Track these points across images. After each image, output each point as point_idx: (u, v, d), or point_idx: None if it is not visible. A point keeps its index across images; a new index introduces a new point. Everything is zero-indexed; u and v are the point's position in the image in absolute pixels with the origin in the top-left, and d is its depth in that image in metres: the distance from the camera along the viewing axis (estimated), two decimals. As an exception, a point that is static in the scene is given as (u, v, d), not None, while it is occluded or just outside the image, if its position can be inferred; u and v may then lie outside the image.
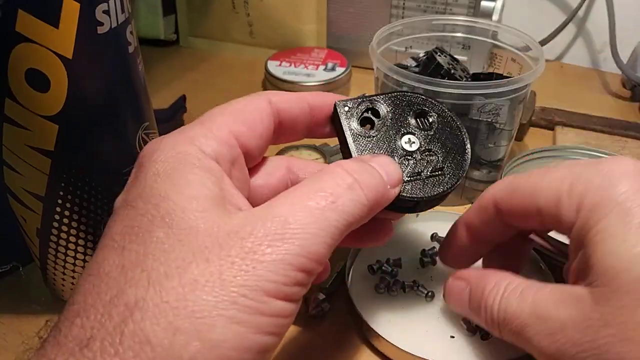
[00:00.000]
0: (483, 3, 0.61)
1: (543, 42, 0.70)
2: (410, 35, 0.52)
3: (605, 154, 0.48)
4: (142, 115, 0.33)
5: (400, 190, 0.28)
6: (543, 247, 0.33)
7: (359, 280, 0.38)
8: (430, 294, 0.36)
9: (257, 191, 0.28)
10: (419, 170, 0.29)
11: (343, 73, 0.63)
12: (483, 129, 0.44)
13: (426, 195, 0.29)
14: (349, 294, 0.36)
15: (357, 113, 0.29)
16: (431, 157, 0.29)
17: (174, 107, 0.59)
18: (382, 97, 0.30)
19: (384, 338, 0.33)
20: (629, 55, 0.67)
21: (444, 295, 0.32)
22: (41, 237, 0.33)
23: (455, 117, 0.31)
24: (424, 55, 0.51)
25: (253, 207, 0.24)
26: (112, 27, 0.29)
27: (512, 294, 0.27)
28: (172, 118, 0.58)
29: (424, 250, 0.40)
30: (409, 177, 0.29)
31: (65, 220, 0.32)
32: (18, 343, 0.36)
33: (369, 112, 0.30)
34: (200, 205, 0.21)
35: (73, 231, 0.33)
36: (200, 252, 0.20)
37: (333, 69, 0.64)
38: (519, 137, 0.58)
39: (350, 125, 0.29)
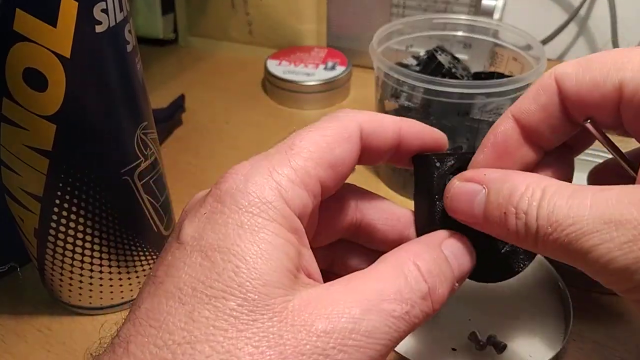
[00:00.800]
0: (484, 2, 0.60)
1: (544, 41, 0.70)
2: (411, 34, 0.52)
3: (606, 153, 0.48)
4: (140, 114, 0.33)
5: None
6: (600, 139, 0.26)
7: None
8: None
9: (322, 228, 0.26)
10: (494, 248, 0.26)
11: (343, 72, 0.63)
12: (484, 128, 0.44)
13: (495, 278, 0.26)
14: None
15: (447, 170, 0.26)
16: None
17: (172, 107, 0.59)
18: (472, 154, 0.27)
19: None
20: (630, 55, 0.67)
21: (444, 202, 0.25)
22: (39, 237, 0.33)
23: None
24: (425, 55, 0.51)
25: (314, 247, 0.23)
26: (111, 26, 0.28)
27: (558, 195, 0.21)
28: (171, 117, 0.58)
29: None
30: (482, 254, 0.25)
31: (63, 221, 0.32)
32: (16, 344, 0.35)
33: (458, 171, 0.26)
34: (280, 280, 0.19)
35: (71, 232, 0.33)
36: (274, 341, 0.18)
37: (333, 68, 0.64)
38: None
39: (437, 185, 0.25)
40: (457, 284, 0.24)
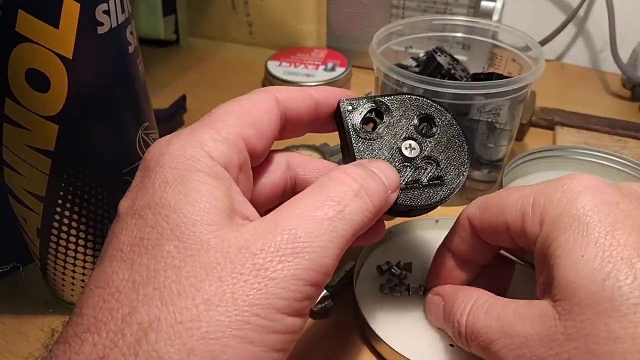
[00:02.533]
0: (483, 3, 0.61)
1: (543, 42, 0.70)
2: (411, 35, 0.52)
3: (606, 153, 0.48)
4: (142, 115, 0.33)
5: (398, 197, 0.28)
6: (513, 261, 0.34)
7: (366, 281, 0.38)
8: None
9: (259, 190, 0.28)
10: (417, 178, 0.29)
11: (343, 73, 0.63)
12: (483, 129, 0.44)
13: (420, 204, 0.29)
14: (355, 294, 0.36)
15: (360, 113, 0.29)
16: (430, 165, 0.29)
17: (174, 107, 0.59)
18: (387, 98, 0.30)
19: (383, 340, 0.33)
20: (629, 55, 0.67)
21: (426, 315, 0.34)
22: (41, 237, 0.33)
23: (458, 125, 0.31)
24: (424, 55, 0.51)
25: (254, 206, 0.24)
26: (112, 27, 0.29)
27: (479, 309, 0.27)
28: (172, 118, 0.58)
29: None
30: (407, 183, 0.28)
31: (66, 221, 0.32)
32: (18, 343, 0.36)
33: (373, 112, 0.29)
34: (211, 218, 0.21)
35: (73, 231, 0.33)
36: (213, 269, 0.19)
37: (333, 69, 0.64)
38: (519, 137, 0.58)
39: (353, 126, 0.29)
40: (390, 192, 0.26)
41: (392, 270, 0.38)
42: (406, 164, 0.29)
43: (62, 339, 0.20)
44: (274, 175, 0.28)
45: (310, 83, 0.62)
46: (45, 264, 0.35)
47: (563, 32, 0.70)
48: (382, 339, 0.33)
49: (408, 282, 0.37)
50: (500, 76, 0.49)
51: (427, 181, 0.29)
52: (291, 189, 0.29)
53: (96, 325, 0.19)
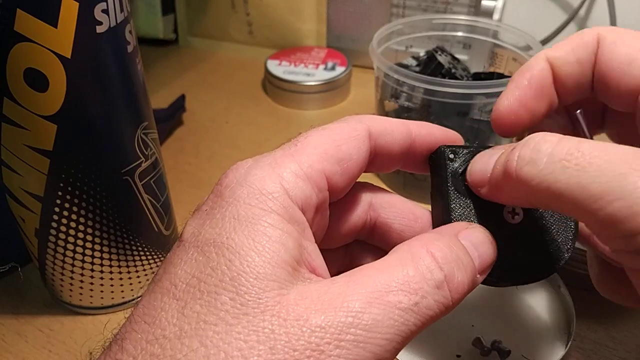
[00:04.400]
0: (484, 2, 0.60)
1: (544, 42, 0.70)
2: (411, 34, 0.52)
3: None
4: (141, 115, 0.33)
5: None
6: (585, 132, 0.27)
7: None
8: None
9: (334, 227, 0.25)
10: (515, 251, 0.24)
11: (343, 72, 0.63)
12: (484, 128, 0.44)
13: (513, 282, 0.24)
14: None
15: (463, 163, 0.25)
16: (533, 236, 0.24)
17: (173, 107, 0.59)
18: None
19: None
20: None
21: (467, 172, 0.25)
22: (40, 237, 0.33)
23: None
24: (425, 55, 0.51)
25: (329, 242, 0.22)
26: (111, 26, 0.28)
27: (572, 138, 0.20)
28: (172, 117, 0.58)
29: None
30: (501, 255, 0.23)
31: (64, 221, 0.32)
32: (17, 344, 0.36)
33: None
34: (275, 272, 0.19)
35: (72, 231, 0.33)
36: (266, 337, 0.18)
37: (333, 68, 0.64)
38: (520, 137, 0.57)
39: (454, 177, 0.24)
40: (479, 276, 0.22)
41: None
42: (506, 231, 0.24)
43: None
44: (355, 214, 0.26)
45: (310, 82, 0.61)
46: (44, 265, 0.35)
47: (564, 31, 0.70)
48: None
49: None
50: (501, 75, 0.49)
51: (527, 254, 0.24)
52: (369, 229, 0.27)
53: None
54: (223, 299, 0.18)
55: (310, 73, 0.63)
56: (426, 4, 0.63)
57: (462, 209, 0.24)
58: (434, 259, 0.20)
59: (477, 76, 0.50)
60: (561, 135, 0.20)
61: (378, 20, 0.66)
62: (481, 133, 0.45)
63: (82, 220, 0.32)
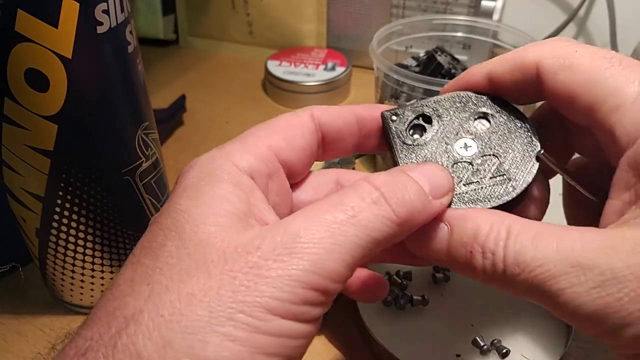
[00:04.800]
0: (483, 3, 0.60)
1: (543, 42, 0.70)
2: (411, 34, 0.52)
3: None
4: (141, 115, 0.33)
5: (452, 201, 0.24)
6: (553, 171, 0.27)
7: None
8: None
9: (302, 207, 0.26)
10: (477, 178, 0.25)
11: (343, 73, 0.63)
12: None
13: (483, 205, 0.24)
14: (357, 304, 0.36)
15: (406, 121, 0.27)
16: (492, 161, 0.25)
17: (173, 107, 0.59)
18: (432, 101, 0.27)
19: (388, 351, 0.32)
20: (629, 55, 0.67)
21: (406, 241, 0.24)
22: (40, 237, 0.33)
23: (519, 112, 0.27)
24: (425, 55, 0.51)
25: None
26: (112, 26, 0.29)
27: (523, 237, 0.21)
28: (172, 118, 0.58)
29: (436, 266, 0.38)
30: (464, 185, 0.25)
31: (65, 221, 0.32)
32: (18, 344, 0.36)
33: (420, 118, 0.27)
34: (217, 219, 0.20)
35: (72, 231, 0.33)
36: (204, 265, 0.19)
37: (333, 68, 0.64)
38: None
39: (399, 135, 0.26)
40: (434, 199, 0.23)
41: (393, 279, 0.37)
42: (463, 164, 0.25)
43: (67, 340, 0.20)
44: (320, 192, 0.27)
45: (310, 83, 0.61)
46: (45, 264, 0.35)
47: (563, 31, 0.70)
48: (386, 347, 0.33)
49: (410, 294, 0.36)
50: (500, 76, 0.49)
51: (489, 179, 0.25)
52: None
53: (92, 319, 0.19)
54: (168, 248, 0.20)
55: (310, 73, 0.63)
56: (426, 4, 0.63)
57: (412, 158, 0.26)
58: (371, 184, 0.22)
59: (477, 76, 0.50)
60: (510, 235, 0.21)
61: (378, 20, 0.66)
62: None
63: (82, 220, 0.32)
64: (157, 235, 0.21)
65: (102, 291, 0.36)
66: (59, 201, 0.31)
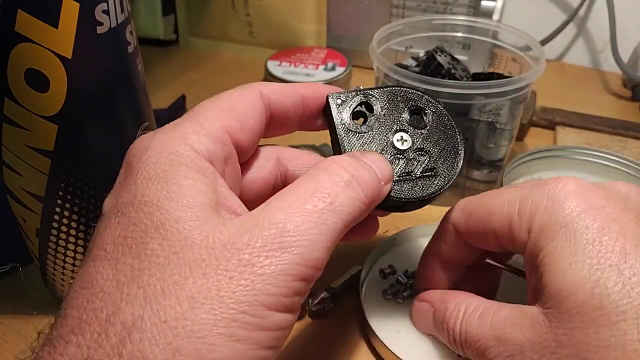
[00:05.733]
0: (483, 3, 0.60)
1: (543, 42, 0.70)
2: (411, 35, 0.52)
3: (607, 153, 0.48)
4: (141, 115, 0.33)
5: (391, 190, 0.27)
6: (500, 268, 0.33)
7: (372, 287, 0.37)
8: None
9: (248, 186, 0.27)
10: (410, 170, 0.28)
11: (343, 73, 0.63)
12: (483, 129, 0.44)
13: (415, 196, 0.28)
14: (360, 300, 0.36)
15: (350, 106, 0.29)
16: (423, 157, 0.29)
17: (173, 107, 0.59)
18: (377, 91, 0.29)
19: (390, 350, 0.32)
20: (629, 55, 0.67)
21: (413, 321, 0.33)
22: (40, 237, 0.33)
23: (450, 116, 0.30)
24: (424, 55, 0.51)
25: (245, 203, 0.24)
26: (112, 27, 0.29)
27: (472, 316, 0.27)
28: (172, 118, 0.58)
29: None
30: (399, 176, 0.28)
31: (65, 221, 0.32)
32: (18, 344, 0.36)
33: (363, 106, 0.29)
34: (195, 213, 0.20)
35: (72, 231, 0.33)
36: (197, 265, 0.19)
37: (333, 68, 0.64)
38: (520, 137, 0.58)
39: (342, 120, 0.28)
40: (384, 185, 0.25)
41: (399, 278, 0.37)
42: (398, 156, 0.28)
43: (47, 341, 0.19)
44: (264, 170, 0.28)
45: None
46: (45, 265, 0.35)
47: (564, 31, 0.70)
48: (387, 346, 0.32)
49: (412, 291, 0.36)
50: (500, 76, 0.49)
51: (421, 173, 0.28)
52: (281, 184, 0.29)
53: (80, 326, 0.19)
54: (151, 247, 0.19)
55: (310, 73, 0.63)
56: (426, 4, 0.63)
57: (355, 145, 0.28)
58: (340, 165, 0.23)
59: (477, 77, 0.50)
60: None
61: (378, 20, 0.66)
62: (481, 133, 0.45)
63: (82, 220, 0.32)
64: (131, 230, 0.20)
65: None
66: (59, 201, 0.31)
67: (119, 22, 0.29)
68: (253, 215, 0.21)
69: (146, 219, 0.20)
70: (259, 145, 0.29)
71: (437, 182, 0.28)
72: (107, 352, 0.18)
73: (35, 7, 0.26)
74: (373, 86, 0.30)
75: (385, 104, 0.29)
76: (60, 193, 0.31)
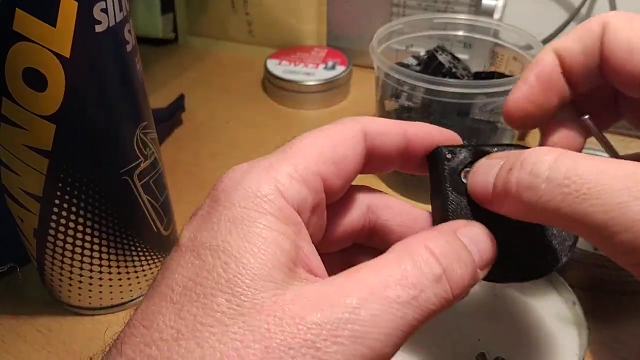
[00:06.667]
0: (484, 1, 0.60)
1: (545, 41, 0.70)
2: (411, 33, 0.52)
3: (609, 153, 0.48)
4: (140, 114, 0.33)
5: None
6: (597, 135, 0.26)
7: None
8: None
9: (332, 230, 0.25)
10: (514, 247, 0.23)
11: (343, 72, 0.63)
12: (484, 128, 0.44)
13: (515, 278, 0.24)
14: None
15: (461, 162, 0.25)
16: (532, 230, 0.24)
17: (172, 106, 0.59)
18: (493, 148, 0.25)
19: None
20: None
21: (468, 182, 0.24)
22: (38, 237, 0.33)
23: None
24: (425, 54, 0.50)
25: (326, 245, 0.22)
26: (110, 25, 0.28)
27: (575, 155, 0.20)
28: (171, 117, 0.58)
29: None
30: (501, 255, 0.23)
31: (63, 221, 0.32)
32: (16, 344, 0.35)
33: (472, 165, 0.25)
34: (271, 274, 0.19)
35: (70, 232, 0.32)
36: (261, 335, 0.18)
37: (333, 67, 0.64)
38: (521, 137, 0.57)
39: (452, 176, 0.24)
40: (480, 271, 0.22)
41: None
42: (504, 226, 0.23)
43: None
44: (352, 216, 0.26)
45: (310, 82, 0.61)
46: (43, 265, 0.35)
47: (565, 30, 0.70)
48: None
49: None
50: (501, 75, 0.49)
51: (526, 250, 0.24)
52: (368, 232, 0.27)
53: None
54: (219, 301, 0.18)
55: (310, 72, 0.63)
56: (426, 3, 0.63)
57: (460, 208, 0.24)
58: (432, 253, 0.20)
59: (478, 76, 0.50)
60: (557, 152, 0.20)
61: (378, 19, 0.65)
62: (482, 133, 0.44)
63: (80, 220, 0.32)
64: (203, 277, 0.19)
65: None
66: (56, 201, 0.31)
67: (117, 20, 0.29)
68: (329, 289, 0.19)
69: (220, 269, 0.19)
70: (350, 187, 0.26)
71: (542, 263, 0.24)
72: None
73: (33, 5, 0.25)
74: (488, 143, 0.26)
75: None
76: (58, 193, 0.31)
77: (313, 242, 0.22)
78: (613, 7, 0.66)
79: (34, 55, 0.26)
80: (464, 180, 0.24)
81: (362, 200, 0.26)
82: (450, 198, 0.24)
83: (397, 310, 0.19)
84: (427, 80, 0.41)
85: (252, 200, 0.20)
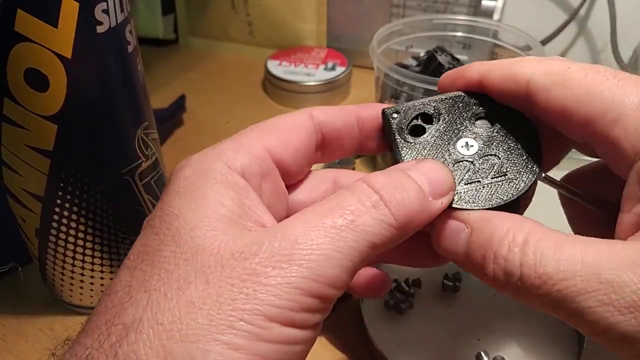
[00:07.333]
0: (484, 2, 0.60)
1: (544, 42, 0.70)
2: (411, 34, 0.52)
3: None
4: (141, 114, 0.33)
5: (453, 200, 0.23)
6: (557, 188, 0.26)
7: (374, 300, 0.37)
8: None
9: (298, 207, 0.26)
10: (477, 177, 0.24)
11: (343, 72, 0.63)
12: (484, 128, 0.44)
13: (484, 205, 0.24)
14: (361, 311, 0.36)
15: (407, 119, 0.26)
16: (493, 161, 0.25)
17: (173, 107, 0.59)
18: (434, 100, 0.27)
19: None
20: (630, 55, 0.67)
21: (432, 240, 0.24)
22: (40, 237, 0.33)
23: (523, 115, 0.26)
24: (425, 55, 0.51)
25: None
26: (111, 26, 0.28)
27: (544, 244, 0.20)
28: (172, 118, 0.58)
29: (447, 274, 0.38)
30: (465, 184, 0.24)
31: (64, 221, 0.32)
32: (18, 344, 0.36)
33: (420, 118, 0.26)
34: (212, 224, 0.20)
35: (72, 231, 0.33)
36: (202, 272, 0.19)
37: (333, 68, 0.64)
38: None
39: (400, 132, 0.26)
40: (434, 199, 0.22)
41: (401, 286, 0.37)
42: (463, 162, 0.25)
43: (67, 346, 0.20)
44: (316, 192, 0.27)
45: (310, 82, 0.61)
46: (44, 265, 0.35)
47: (564, 31, 0.70)
48: (389, 358, 0.32)
49: (418, 303, 0.36)
50: (501, 76, 0.49)
51: (490, 179, 0.24)
52: None
53: (92, 328, 0.19)
54: (165, 254, 0.20)
55: (311, 73, 0.63)
56: (426, 4, 0.63)
57: (412, 156, 0.25)
58: (369, 186, 0.21)
59: (477, 76, 0.50)
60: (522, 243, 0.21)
61: (378, 20, 0.66)
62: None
63: (82, 220, 0.32)
64: (151, 239, 0.21)
65: (101, 291, 0.36)
66: (58, 201, 0.31)
67: (118, 21, 0.29)
68: (270, 228, 0.21)
69: (166, 228, 0.20)
70: (316, 170, 0.28)
71: (510, 187, 0.24)
72: (105, 352, 0.18)
73: (35, 6, 0.25)
74: (430, 97, 0.27)
75: (445, 113, 0.26)
76: (60, 193, 0.31)
77: (280, 209, 0.25)
78: (612, 7, 0.66)
79: (36, 56, 0.26)
80: (412, 135, 0.26)
81: (326, 177, 0.28)
82: (402, 147, 0.26)
83: (335, 235, 0.20)
84: (426, 80, 0.41)
85: (197, 172, 0.22)
